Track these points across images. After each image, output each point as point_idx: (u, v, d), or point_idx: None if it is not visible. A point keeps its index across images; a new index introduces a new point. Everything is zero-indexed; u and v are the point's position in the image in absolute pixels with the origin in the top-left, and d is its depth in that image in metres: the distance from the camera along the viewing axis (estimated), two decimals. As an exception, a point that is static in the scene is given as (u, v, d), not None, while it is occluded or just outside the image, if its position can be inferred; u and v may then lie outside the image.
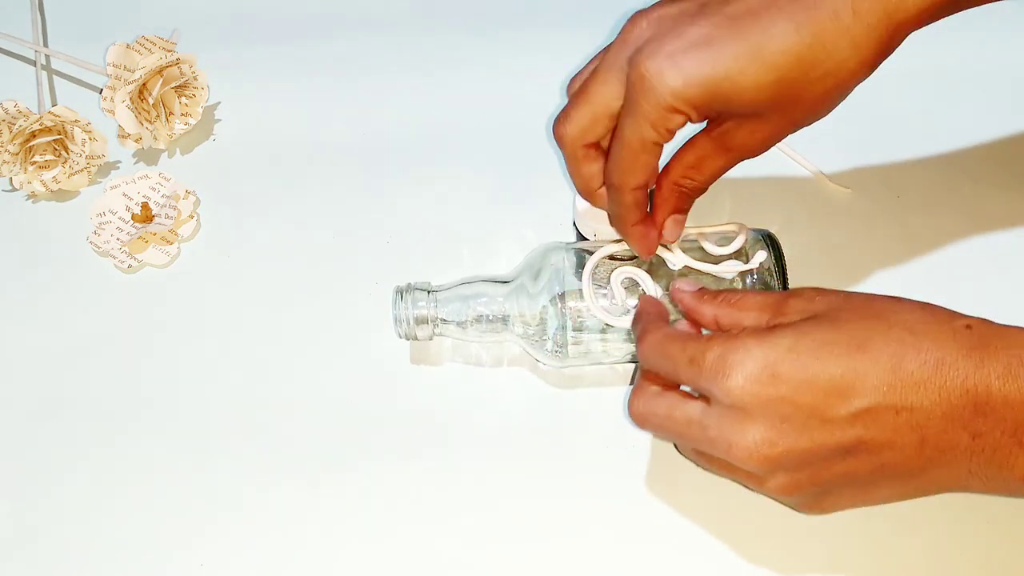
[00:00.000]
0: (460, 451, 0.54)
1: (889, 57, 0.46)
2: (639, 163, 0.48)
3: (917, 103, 0.66)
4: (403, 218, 0.63)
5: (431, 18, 0.73)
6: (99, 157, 0.65)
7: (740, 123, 0.47)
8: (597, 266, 0.53)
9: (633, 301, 0.53)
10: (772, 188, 0.63)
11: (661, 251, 0.53)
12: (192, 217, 0.63)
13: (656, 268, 0.53)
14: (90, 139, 0.64)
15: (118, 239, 0.62)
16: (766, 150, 0.49)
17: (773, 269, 0.53)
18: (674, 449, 0.52)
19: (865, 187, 0.62)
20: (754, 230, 0.54)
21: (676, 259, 0.53)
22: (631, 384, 0.56)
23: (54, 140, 0.64)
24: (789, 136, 0.49)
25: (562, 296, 0.53)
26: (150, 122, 0.66)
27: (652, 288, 0.52)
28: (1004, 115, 0.65)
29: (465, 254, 0.61)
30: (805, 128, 0.48)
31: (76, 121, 0.64)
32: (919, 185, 0.62)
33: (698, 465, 0.49)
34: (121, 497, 0.54)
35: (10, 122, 0.64)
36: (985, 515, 0.50)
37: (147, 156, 0.67)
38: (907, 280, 0.58)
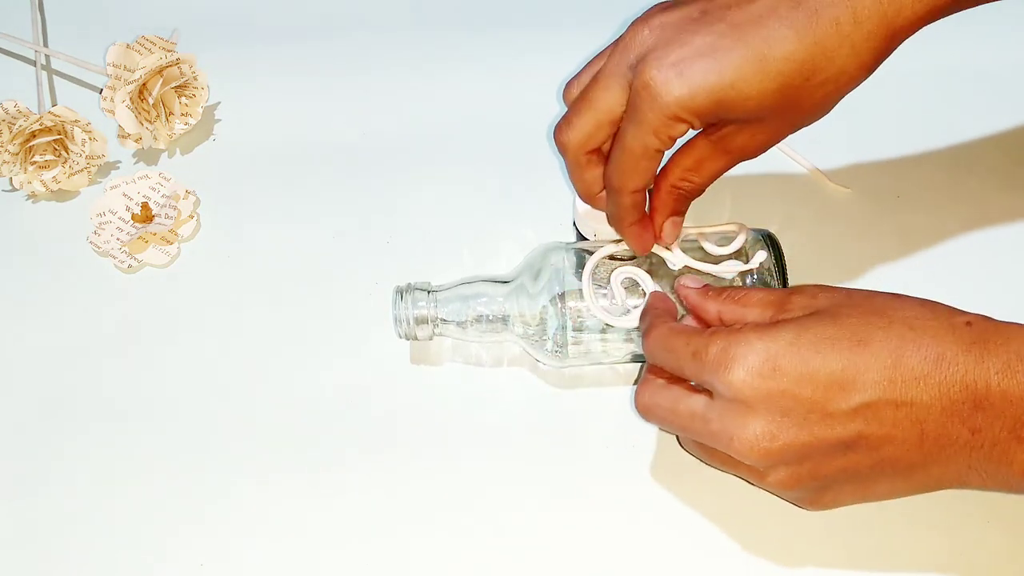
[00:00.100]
0: (460, 451, 0.54)
1: (889, 57, 0.47)
2: (639, 168, 0.48)
3: (917, 103, 0.66)
4: (403, 218, 0.63)
5: (431, 18, 0.73)
6: (99, 157, 0.65)
7: (740, 127, 0.48)
8: (597, 266, 0.53)
9: (633, 301, 0.53)
10: (772, 188, 0.63)
11: (661, 251, 0.53)
12: (192, 217, 0.63)
13: (656, 268, 0.53)
14: (90, 139, 0.64)
15: (118, 239, 0.62)
16: (765, 152, 0.49)
17: (773, 269, 0.53)
18: (674, 449, 0.52)
19: (865, 187, 0.62)
20: (754, 230, 0.54)
21: (676, 259, 0.53)
22: (635, 384, 0.56)
23: (54, 140, 0.64)
24: (788, 136, 0.49)
25: (562, 296, 0.53)
26: (150, 122, 0.66)
27: (652, 288, 0.52)
28: (1004, 114, 0.65)
29: (465, 254, 0.61)
30: (805, 128, 0.49)
31: (76, 121, 0.64)
32: (919, 185, 0.62)
33: (700, 459, 0.49)
34: (121, 497, 0.53)
35: (10, 122, 0.64)
36: (989, 510, 0.50)
37: (147, 156, 0.67)
38: (907, 279, 0.58)
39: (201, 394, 0.57)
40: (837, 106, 0.48)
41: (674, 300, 0.51)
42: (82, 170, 0.65)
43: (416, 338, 0.55)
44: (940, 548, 0.50)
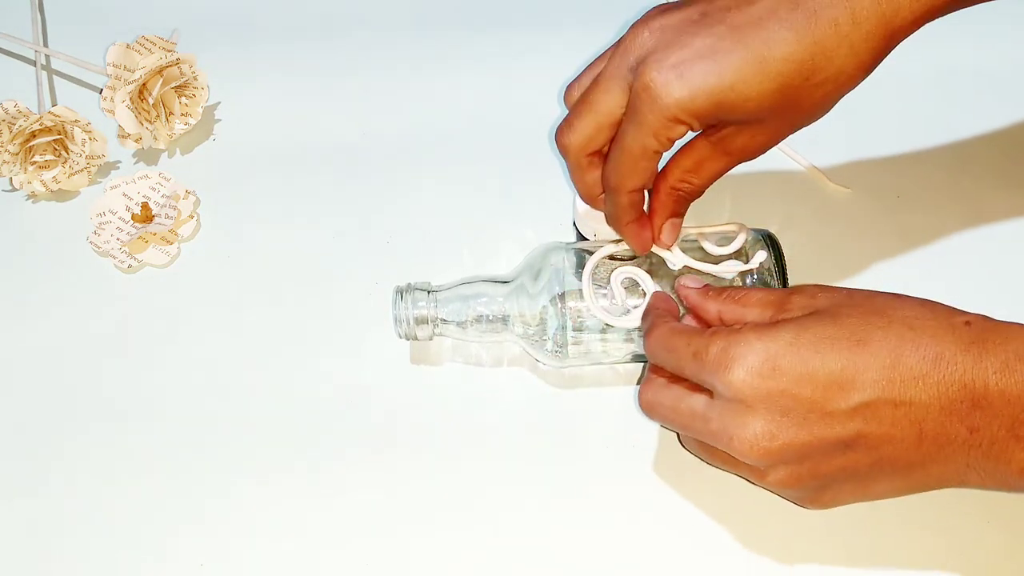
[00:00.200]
0: (460, 451, 0.54)
1: (888, 56, 0.47)
2: (637, 169, 0.48)
3: (916, 103, 0.66)
4: (403, 218, 0.63)
5: (431, 18, 0.73)
6: (99, 157, 0.65)
7: (740, 128, 0.48)
8: (597, 266, 0.53)
9: (633, 301, 0.53)
10: (772, 187, 0.63)
11: (661, 251, 0.53)
12: (192, 217, 0.63)
13: (656, 268, 0.53)
14: (90, 139, 0.64)
15: (118, 239, 0.62)
16: (764, 152, 0.50)
17: (773, 269, 0.53)
18: (674, 449, 0.52)
19: (865, 187, 0.62)
20: (754, 230, 0.54)
21: (676, 259, 0.53)
22: (636, 384, 0.56)
23: (54, 140, 0.64)
24: (788, 136, 0.49)
25: (562, 296, 0.53)
26: (150, 122, 0.66)
27: (652, 288, 0.52)
28: (1004, 114, 0.65)
29: (465, 254, 0.61)
30: (805, 127, 0.49)
31: (76, 121, 0.64)
32: (919, 185, 0.62)
33: (701, 458, 0.50)
34: (121, 497, 0.53)
35: (10, 122, 0.64)
36: (988, 510, 0.50)
37: (147, 156, 0.67)
38: (906, 279, 0.57)
39: (201, 394, 0.57)
40: (836, 106, 0.48)
41: (675, 300, 0.51)
42: (82, 170, 0.65)
43: (416, 338, 0.55)
44: (939, 547, 0.50)
